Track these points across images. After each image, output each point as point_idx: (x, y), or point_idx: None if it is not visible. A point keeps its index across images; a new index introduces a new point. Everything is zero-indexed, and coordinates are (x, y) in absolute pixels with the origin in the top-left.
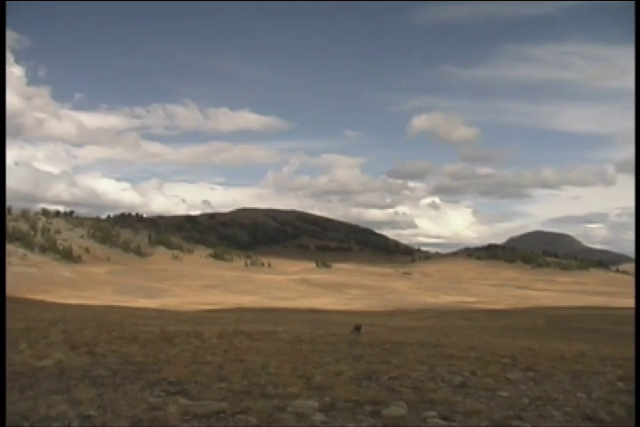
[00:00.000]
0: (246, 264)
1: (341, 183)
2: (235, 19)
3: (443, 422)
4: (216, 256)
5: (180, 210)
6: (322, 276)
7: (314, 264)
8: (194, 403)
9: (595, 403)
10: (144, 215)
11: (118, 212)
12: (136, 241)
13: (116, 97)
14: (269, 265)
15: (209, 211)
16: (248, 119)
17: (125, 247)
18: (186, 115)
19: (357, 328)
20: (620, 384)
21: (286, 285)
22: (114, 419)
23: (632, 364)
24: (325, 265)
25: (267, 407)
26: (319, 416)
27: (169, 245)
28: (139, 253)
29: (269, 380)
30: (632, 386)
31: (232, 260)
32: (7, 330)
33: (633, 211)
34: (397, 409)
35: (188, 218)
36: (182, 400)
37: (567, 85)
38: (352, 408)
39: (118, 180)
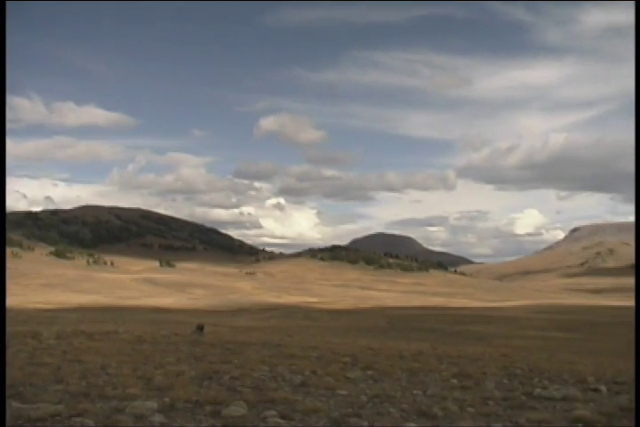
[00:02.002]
0: (88, 263)
1: (187, 182)
2: (85, 14)
3: (282, 422)
4: (57, 254)
5: (21, 206)
6: (166, 275)
7: (158, 263)
8: (28, 406)
9: (430, 399)
10: None
11: None
12: None
13: None
14: (112, 264)
15: (51, 207)
16: (94, 115)
17: None
18: (29, 108)
19: (200, 328)
20: (455, 381)
21: (129, 284)
22: None
23: (464, 361)
24: (169, 264)
25: (104, 409)
26: (158, 417)
27: (8, 243)
28: None
29: (108, 381)
30: (465, 382)
31: (74, 258)
32: None
33: (471, 215)
34: (237, 409)
35: (29, 214)
36: (16, 404)
37: (412, 92)
38: (192, 409)
39: None
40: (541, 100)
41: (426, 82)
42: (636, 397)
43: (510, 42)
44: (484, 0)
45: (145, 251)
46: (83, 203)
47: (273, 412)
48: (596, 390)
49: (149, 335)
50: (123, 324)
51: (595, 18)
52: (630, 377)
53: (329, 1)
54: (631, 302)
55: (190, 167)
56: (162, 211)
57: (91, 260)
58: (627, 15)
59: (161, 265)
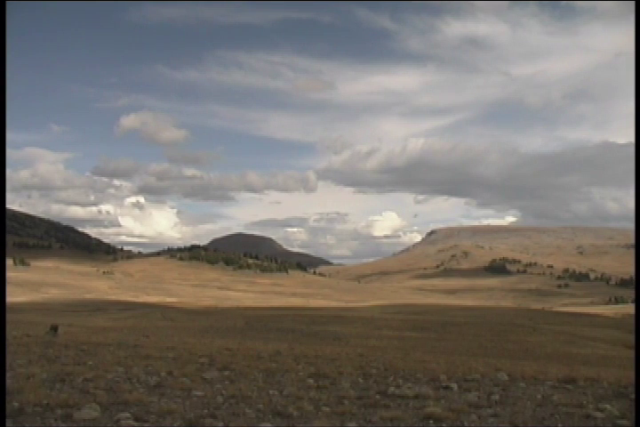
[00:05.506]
0: None
1: (43, 178)
2: None
3: (135, 424)
4: None
5: None
6: (19, 274)
7: (11, 262)
8: None
9: (286, 399)
10: None
11: None
12: None
13: None
14: None
15: None
16: None
17: None
18: None
19: (54, 329)
20: (311, 381)
21: None
22: None
23: (321, 361)
24: (23, 263)
25: None
26: (5, 423)
27: None
28: None
29: None
30: (322, 382)
31: None
32: None
33: (330, 217)
34: (90, 412)
35: None
36: None
37: (275, 94)
38: (42, 413)
39: None
40: (401, 106)
41: (289, 84)
42: (636, 397)
43: (374, 48)
44: (350, 0)
45: None
46: None
47: (127, 414)
48: (447, 387)
49: None
50: None
51: (454, 29)
52: (480, 375)
53: (195, 0)
54: (482, 302)
55: (47, 163)
56: (16, 207)
57: None
58: (482, 28)
59: (15, 264)
